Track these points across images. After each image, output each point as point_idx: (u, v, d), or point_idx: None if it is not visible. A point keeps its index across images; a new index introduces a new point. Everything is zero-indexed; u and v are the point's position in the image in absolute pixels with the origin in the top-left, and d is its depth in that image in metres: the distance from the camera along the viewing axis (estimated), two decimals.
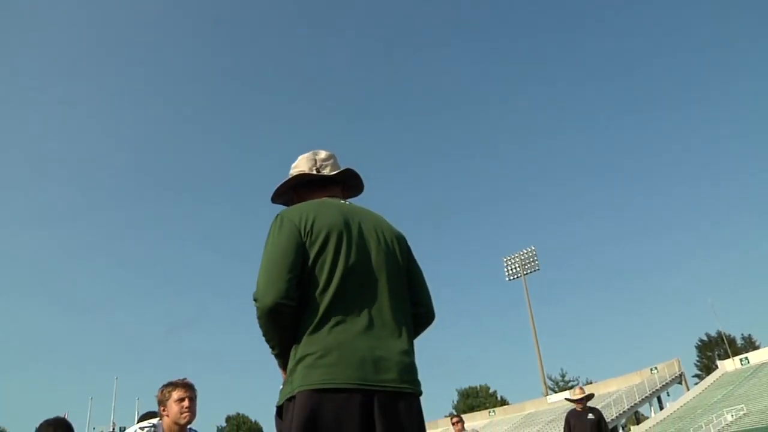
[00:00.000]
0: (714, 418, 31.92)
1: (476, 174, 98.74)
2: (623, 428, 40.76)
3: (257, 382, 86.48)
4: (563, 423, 7.93)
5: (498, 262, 57.84)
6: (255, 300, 1.71)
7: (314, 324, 1.71)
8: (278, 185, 2.15)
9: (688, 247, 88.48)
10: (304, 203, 1.97)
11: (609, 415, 37.21)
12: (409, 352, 1.81)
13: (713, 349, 55.43)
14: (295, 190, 2.17)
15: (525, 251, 56.84)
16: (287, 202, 2.21)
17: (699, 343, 57.23)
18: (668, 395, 43.24)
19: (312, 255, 1.79)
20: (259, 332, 1.75)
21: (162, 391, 3.20)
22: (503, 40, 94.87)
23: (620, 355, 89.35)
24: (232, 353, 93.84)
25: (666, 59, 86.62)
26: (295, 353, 1.70)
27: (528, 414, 48.75)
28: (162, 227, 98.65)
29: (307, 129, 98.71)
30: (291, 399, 1.64)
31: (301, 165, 2.14)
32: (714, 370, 44.44)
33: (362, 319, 1.76)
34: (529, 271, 55.88)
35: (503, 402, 59.56)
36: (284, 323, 1.72)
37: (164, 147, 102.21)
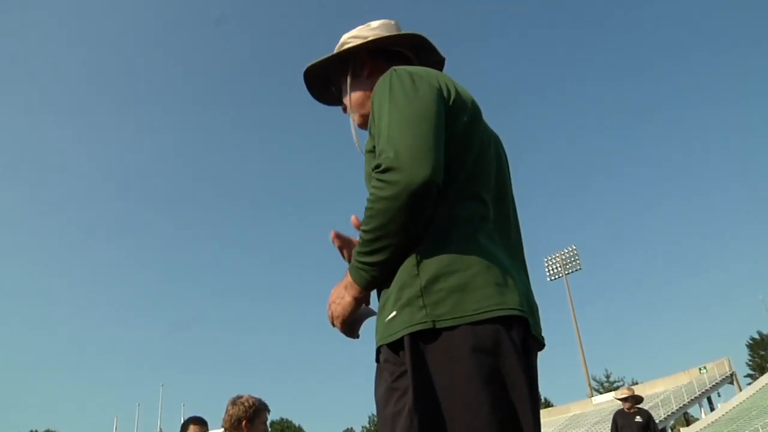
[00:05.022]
0: None
1: (515, 172, 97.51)
2: (672, 430, 39.72)
3: (299, 386, 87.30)
4: (610, 424, 7.78)
5: (539, 262, 56.90)
6: (391, 170, 1.13)
7: (461, 229, 1.22)
8: (346, 45, 1.57)
9: (737, 243, 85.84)
10: (420, 67, 1.40)
11: (657, 416, 36.24)
12: None
13: (766, 348, 53.57)
14: (369, 57, 1.57)
15: (566, 251, 55.83)
16: (325, 79, 1.65)
17: (750, 342, 55.38)
18: (719, 396, 42.00)
19: (456, 134, 1.28)
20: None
21: (252, 410, 3.16)
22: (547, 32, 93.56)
23: (666, 354, 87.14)
24: (270, 357, 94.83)
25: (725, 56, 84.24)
26: (430, 266, 1.16)
27: (573, 415, 47.91)
28: (213, 239, 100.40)
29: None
30: (429, 332, 1.10)
31: (380, 31, 1.57)
32: None
33: (508, 239, 1.34)
34: (570, 270, 54.92)
35: (547, 404, 58.62)
36: (425, 213, 1.17)
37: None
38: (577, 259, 55.05)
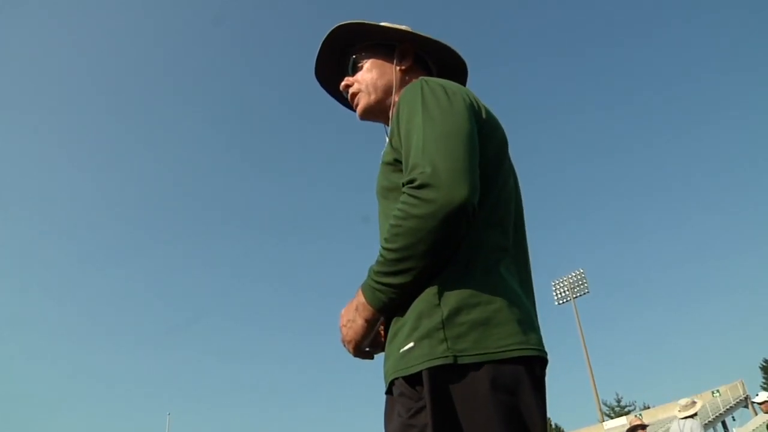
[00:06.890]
0: None
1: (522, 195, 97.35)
2: None
3: (307, 414, 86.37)
4: None
5: (546, 286, 56.59)
6: (428, 187, 1.05)
7: (484, 259, 1.14)
8: (386, 25, 1.48)
9: (748, 264, 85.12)
10: (449, 81, 1.28)
11: None
12: None
13: None
14: (414, 52, 1.50)
15: (573, 274, 55.60)
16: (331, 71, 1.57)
17: (764, 364, 54.71)
18: (734, 420, 41.32)
19: (487, 155, 1.19)
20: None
21: None
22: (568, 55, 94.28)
23: (678, 378, 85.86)
24: (280, 386, 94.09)
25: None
26: (452, 297, 1.08)
27: None
28: (221, 266, 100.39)
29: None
30: (449, 367, 1.02)
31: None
32: None
33: (522, 272, 1.26)
34: (578, 294, 54.58)
35: (558, 430, 57.92)
36: (457, 236, 1.09)
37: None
38: (585, 283, 54.77)
